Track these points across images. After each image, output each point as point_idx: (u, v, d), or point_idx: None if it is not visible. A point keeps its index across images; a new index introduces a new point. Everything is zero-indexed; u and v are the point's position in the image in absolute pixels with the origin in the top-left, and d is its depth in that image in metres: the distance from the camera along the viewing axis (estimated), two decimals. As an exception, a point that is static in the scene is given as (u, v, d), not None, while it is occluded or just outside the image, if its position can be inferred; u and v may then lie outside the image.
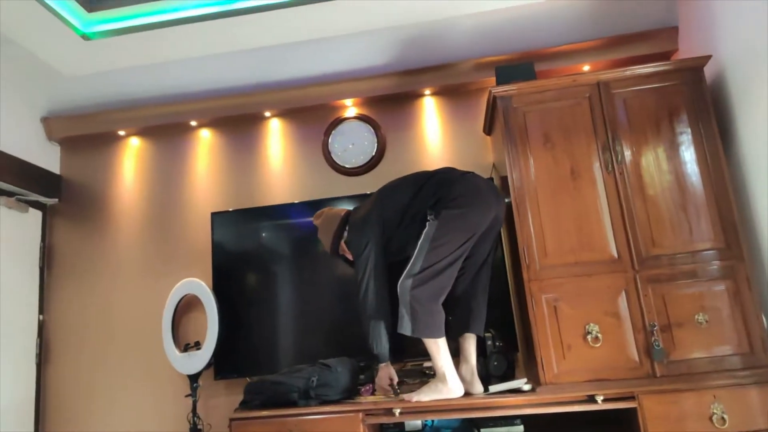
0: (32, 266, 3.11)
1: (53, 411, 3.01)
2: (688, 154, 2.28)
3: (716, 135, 2.27)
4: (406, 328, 2.17)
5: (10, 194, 2.98)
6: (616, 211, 2.25)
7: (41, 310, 3.12)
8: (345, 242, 2.47)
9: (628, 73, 2.36)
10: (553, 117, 2.37)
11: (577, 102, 2.37)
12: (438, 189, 2.29)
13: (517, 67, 2.53)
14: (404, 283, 2.19)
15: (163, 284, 3.00)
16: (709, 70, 2.39)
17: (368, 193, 2.87)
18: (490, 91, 2.46)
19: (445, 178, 2.33)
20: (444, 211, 2.21)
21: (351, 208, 2.83)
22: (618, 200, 2.26)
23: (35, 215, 3.18)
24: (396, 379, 2.35)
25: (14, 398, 2.85)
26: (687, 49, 2.71)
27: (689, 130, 2.30)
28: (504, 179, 2.53)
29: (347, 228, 2.47)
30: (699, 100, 2.31)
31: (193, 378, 2.70)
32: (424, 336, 2.17)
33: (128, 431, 2.91)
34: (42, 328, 3.10)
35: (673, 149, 2.30)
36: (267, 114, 3.18)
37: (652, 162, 2.29)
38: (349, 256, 2.51)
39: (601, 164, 2.31)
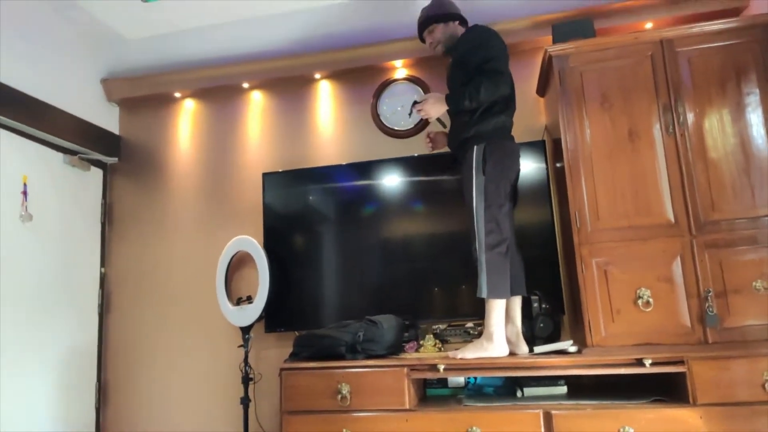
0: (94, 222, 3.27)
1: (114, 357, 3.20)
2: (755, 117, 2.18)
3: (787, 97, 2.16)
4: (482, 293, 2.19)
5: (73, 153, 3.12)
6: (675, 175, 2.19)
7: (103, 263, 3.28)
8: (460, 38, 2.43)
9: (694, 30, 2.26)
10: (612, 77, 2.30)
11: (639, 61, 2.29)
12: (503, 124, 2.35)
13: (576, 25, 2.45)
14: (477, 253, 2.21)
15: (216, 241, 3.11)
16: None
17: (416, 155, 2.89)
18: (546, 50, 2.40)
19: (510, 126, 2.41)
20: (489, 164, 2.24)
21: (401, 169, 2.87)
22: (678, 163, 2.19)
23: (96, 173, 3.32)
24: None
25: (79, 345, 3.04)
26: (759, 5, 2.55)
27: (757, 91, 2.19)
28: (557, 142, 2.49)
29: (466, 28, 2.46)
30: (770, 59, 2.19)
31: (245, 330, 2.81)
32: (494, 297, 2.19)
33: (183, 377, 3.08)
34: (104, 280, 3.27)
35: (739, 111, 2.20)
36: (317, 76, 3.20)
37: (716, 124, 2.20)
38: (430, 40, 2.54)
39: (661, 126, 2.23)
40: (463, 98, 2.25)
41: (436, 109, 2.38)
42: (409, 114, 2.51)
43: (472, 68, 2.28)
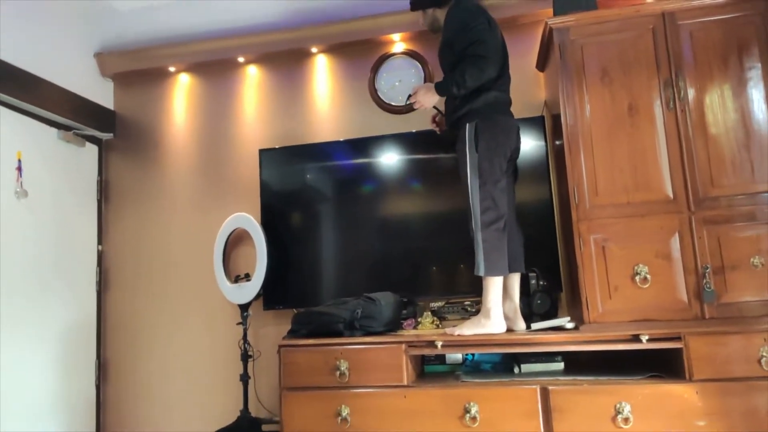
0: (91, 198, 3.25)
1: (113, 334, 3.21)
2: (756, 92, 2.15)
3: (789, 71, 2.13)
4: (479, 270, 2.18)
5: (67, 128, 3.09)
6: (674, 150, 2.17)
7: (100, 241, 3.27)
8: (446, 15, 2.37)
9: (696, 2, 2.21)
10: (613, 50, 2.26)
11: (640, 34, 2.25)
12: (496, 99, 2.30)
13: (577, -4, 2.40)
14: (473, 231, 2.20)
15: (213, 218, 3.10)
16: (786, 0, 2.22)
17: (414, 131, 2.86)
18: (546, 23, 2.36)
19: (504, 100, 2.35)
20: (482, 141, 2.22)
21: (400, 146, 2.84)
22: (678, 139, 2.17)
23: (92, 150, 3.29)
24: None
25: (78, 322, 3.05)
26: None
27: (759, 66, 2.16)
28: (556, 117, 2.46)
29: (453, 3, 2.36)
30: (773, 32, 2.16)
31: (244, 307, 2.82)
32: (492, 275, 2.18)
33: (183, 354, 3.10)
34: (101, 257, 3.27)
35: (741, 86, 2.17)
36: (313, 50, 3.15)
37: (717, 99, 2.18)
38: (423, 21, 2.48)
39: (662, 101, 2.20)
40: (451, 86, 2.24)
41: (428, 99, 2.35)
42: (405, 103, 2.49)
43: (458, 51, 2.26)
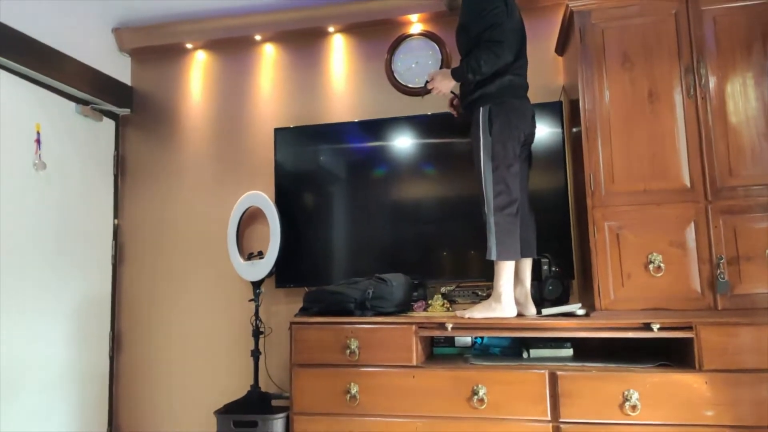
0: (107, 173, 3.28)
1: (127, 307, 3.27)
2: (780, 81, 2.12)
3: (815, 60, 2.09)
4: (491, 255, 2.19)
5: (85, 103, 3.11)
6: (693, 139, 2.14)
7: (116, 215, 3.31)
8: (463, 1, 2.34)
9: (721, -13, 2.17)
10: (634, 35, 2.22)
11: (662, 19, 2.21)
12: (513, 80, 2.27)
13: (599, -20, 2.35)
14: (486, 215, 2.20)
15: (228, 194, 3.13)
16: (815, -13, 2.16)
17: (429, 114, 2.85)
18: (567, 6, 2.32)
19: (520, 84, 2.31)
20: (495, 125, 2.21)
21: (414, 128, 2.84)
22: (697, 127, 2.14)
23: (109, 125, 3.31)
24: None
25: (93, 295, 3.10)
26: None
27: (784, 54, 2.12)
28: (574, 103, 2.44)
29: None
30: (800, 19, 2.11)
31: (256, 284, 2.85)
32: (503, 259, 2.19)
33: (195, 329, 3.15)
34: (117, 231, 3.31)
35: (763, 75, 2.13)
36: (330, 29, 3.13)
37: (738, 88, 2.14)
38: None
39: (682, 88, 2.17)
40: (467, 72, 2.22)
41: (445, 84, 2.35)
42: (424, 86, 2.48)
43: (473, 36, 2.24)
